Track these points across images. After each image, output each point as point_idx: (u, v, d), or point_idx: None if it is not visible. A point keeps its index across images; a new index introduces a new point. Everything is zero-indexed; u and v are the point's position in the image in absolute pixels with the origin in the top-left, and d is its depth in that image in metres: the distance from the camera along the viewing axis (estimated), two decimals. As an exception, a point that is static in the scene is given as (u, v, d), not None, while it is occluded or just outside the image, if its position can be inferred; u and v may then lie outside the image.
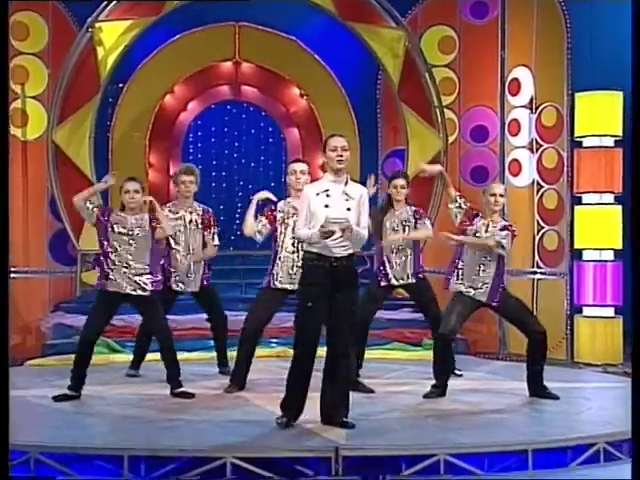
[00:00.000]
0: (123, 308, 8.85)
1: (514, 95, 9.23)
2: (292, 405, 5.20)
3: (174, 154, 10.63)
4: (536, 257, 8.86)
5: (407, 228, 6.87)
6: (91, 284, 9.27)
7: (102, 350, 8.10)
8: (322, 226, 5.00)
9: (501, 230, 6.27)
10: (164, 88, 10.31)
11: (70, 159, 9.18)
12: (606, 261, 8.61)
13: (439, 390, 6.30)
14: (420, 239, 7.01)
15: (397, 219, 6.89)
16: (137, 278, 6.14)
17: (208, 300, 7.12)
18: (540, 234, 8.84)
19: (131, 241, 6.15)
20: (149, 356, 7.99)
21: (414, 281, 6.90)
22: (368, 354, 8.16)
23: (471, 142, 9.69)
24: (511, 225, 6.36)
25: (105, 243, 6.21)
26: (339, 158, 5.12)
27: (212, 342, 7.36)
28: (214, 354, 7.32)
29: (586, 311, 8.73)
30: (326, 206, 5.08)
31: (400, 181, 6.93)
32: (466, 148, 9.70)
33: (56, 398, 5.98)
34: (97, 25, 9.15)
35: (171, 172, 10.63)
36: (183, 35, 10.09)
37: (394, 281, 6.88)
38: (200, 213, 7.08)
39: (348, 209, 5.09)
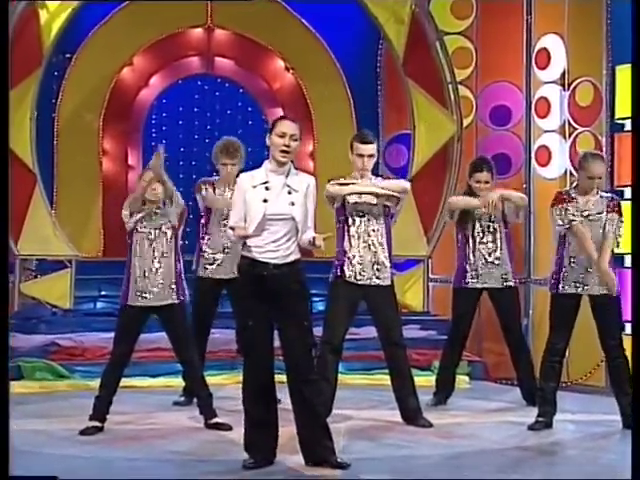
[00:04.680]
0: (70, 325, 8.98)
1: (542, 69, 9.22)
2: (259, 443, 5.17)
3: (133, 139, 10.60)
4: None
5: (498, 225, 7.35)
6: (32, 296, 9.27)
7: (45, 376, 8.07)
8: (231, 228, 5.09)
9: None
10: (121, 60, 10.29)
11: (7, 145, 9.14)
12: (654, 268, 8.61)
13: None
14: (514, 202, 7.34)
15: (487, 215, 7.31)
16: None
17: None
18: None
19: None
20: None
21: (501, 286, 7.34)
22: (368, 379, 8.20)
23: (491, 125, 9.67)
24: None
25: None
26: (285, 148, 5.12)
27: (179, 366, 7.34)
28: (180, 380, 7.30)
29: (630, 328, 8.70)
30: (264, 200, 5.09)
31: (484, 175, 7.36)
32: (485, 132, 9.69)
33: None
34: (40, -17, 9.15)
35: (130, 161, 10.64)
36: (144, -5, 10.08)
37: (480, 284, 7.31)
38: None
39: (292, 203, 5.11)
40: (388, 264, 6.52)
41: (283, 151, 5.11)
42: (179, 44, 10.51)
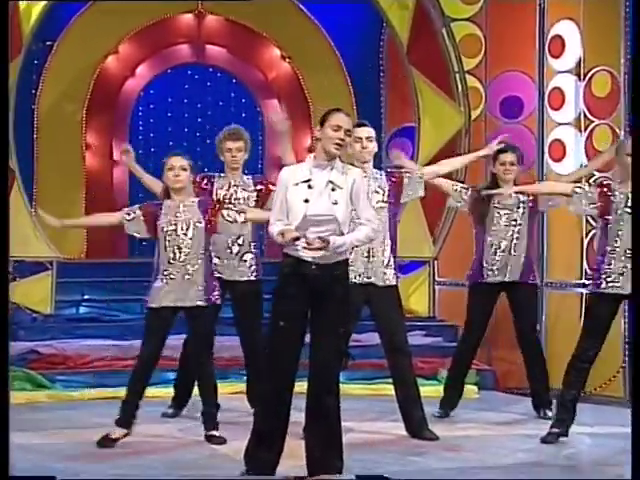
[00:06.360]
0: (50, 332, 8.97)
1: (556, 57, 9.22)
2: (262, 454, 5.17)
3: (119, 132, 10.62)
4: (585, 265, 8.86)
5: (522, 214, 7.30)
6: (14, 302, 9.25)
7: (24, 386, 8.05)
8: (280, 234, 5.04)
9: None
10: (105, 47, 10.31)
11: (-16, 138, 9.14)
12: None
13: None
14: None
15: (508, 203, 7.30)
16: None
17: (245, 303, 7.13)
18: (590, 236, 8.84)
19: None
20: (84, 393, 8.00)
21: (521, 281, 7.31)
22: (369, 389, 8.21)
23: (501, 118, 9.67)
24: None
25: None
26: (339, 141, 5.15)
27: (169, 374, 7.36)
28: (171, 389, 7.31)
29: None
30: (306, 201, 5.10)
31: (509, 156, 7.34)
32: (495, 125, 9.69)
33: None
34: (18, -34, 9.15)
35: (114, 156, 10.64)
36: (130, -21, 10.09)
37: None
38: (252, 187, 7.12)
39: (335, 202, 5.11)
40: (392, 265, 6.55)
41: (337, 144, 5.14)
42: (168, 31, 10.52)
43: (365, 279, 6.48)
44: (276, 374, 5.15)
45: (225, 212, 6.34)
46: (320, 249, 4.98)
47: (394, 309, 6.61)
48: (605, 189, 6.48)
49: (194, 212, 6.32)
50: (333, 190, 5.13)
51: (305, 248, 5.01)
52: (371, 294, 6.49)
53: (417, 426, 6.50)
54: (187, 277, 6.25)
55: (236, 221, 6.40)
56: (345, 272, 5.21)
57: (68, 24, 10.06)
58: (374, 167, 6.67)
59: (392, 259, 6.58)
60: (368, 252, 6.47)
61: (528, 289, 7.43)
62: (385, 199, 6.54)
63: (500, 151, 7.47)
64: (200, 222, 6.29)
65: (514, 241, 7.35)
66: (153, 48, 10.55)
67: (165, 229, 6.27)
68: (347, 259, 5.25)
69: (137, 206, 6.47)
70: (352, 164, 6.36)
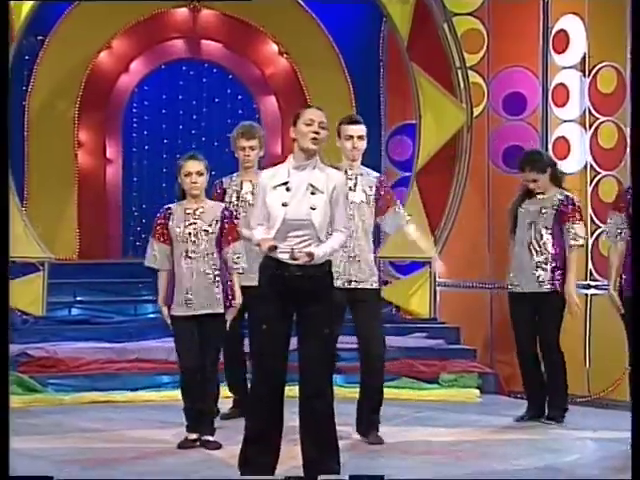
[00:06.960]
0: (42, 334, 8.97)
1: (561, 53, 9.23)
2: (257, 460, 5.16)
3: (112, 130, 10.61)
4: (589, 265, 8.87)
5: (551, 216, 7.27)
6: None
7: (15, 390, 8.02)
8: (258, 244, 5.08)
9: None
10: (98, 42, 10.30)
11: (-27, 136, 9.14)
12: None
13: None
14: None
15: (538, 205, 7.31)
16: None
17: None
18: (595, 235, 8.84)
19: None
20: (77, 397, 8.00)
21: (547, 291, 7.22)
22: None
23: (504, 114, 9.68)
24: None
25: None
26: (314, 135, 5.13)
27: (164, 378, 7.35)
28: (166, 393, 7.31)
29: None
30: (284, 204, 5.10)
31: (527, 175, 7.34)
32: (497, 122, 9.70)
33: None
34: (9, -41, 9.14)
35: (108, 154, 10.64)
36: (123, -28, 10.08)
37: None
38: None
39: (313, 207, 5.10)
40: (374, 266, 6.56)
41: (313, 138, 5.12)
42: (162, 25, 10.52)
43: (348, 281, 6.48)
44: (265, 377, 5.15)
45: (231, 248, 6.32)
46: (306, 261, 5.01)
47: (375, 312, 6.65)
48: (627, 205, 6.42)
49: (212, 216, 6.31)
50: (313, 194, 5.12)
51: (291, 259, 5.02)
52: (354, 295, 6.49)
53: (368, 428, 6.52)
54: (204, 283, 6.25)
55: (235, 261, 6.34)
56: (327, 272, 5.21)
57: (60, 18, 10.05)
58: (370, 166, 6.69)
59: (373, 261, 6.59)
60: (352, 251, 6.47)
61: (552, 298, 7.34)
62: (371, 201, 6.55)
63: (519, 169, 7.50)
64: (216, 227, 6.29)
65: (535, 251, 7.33)
66: (147, 43, 10.55)
67: (179, 233, 6.26)
68: (329, 260, 5.22)
69: (150, 244, 6.42)
70: (336, 165, 6.39)
